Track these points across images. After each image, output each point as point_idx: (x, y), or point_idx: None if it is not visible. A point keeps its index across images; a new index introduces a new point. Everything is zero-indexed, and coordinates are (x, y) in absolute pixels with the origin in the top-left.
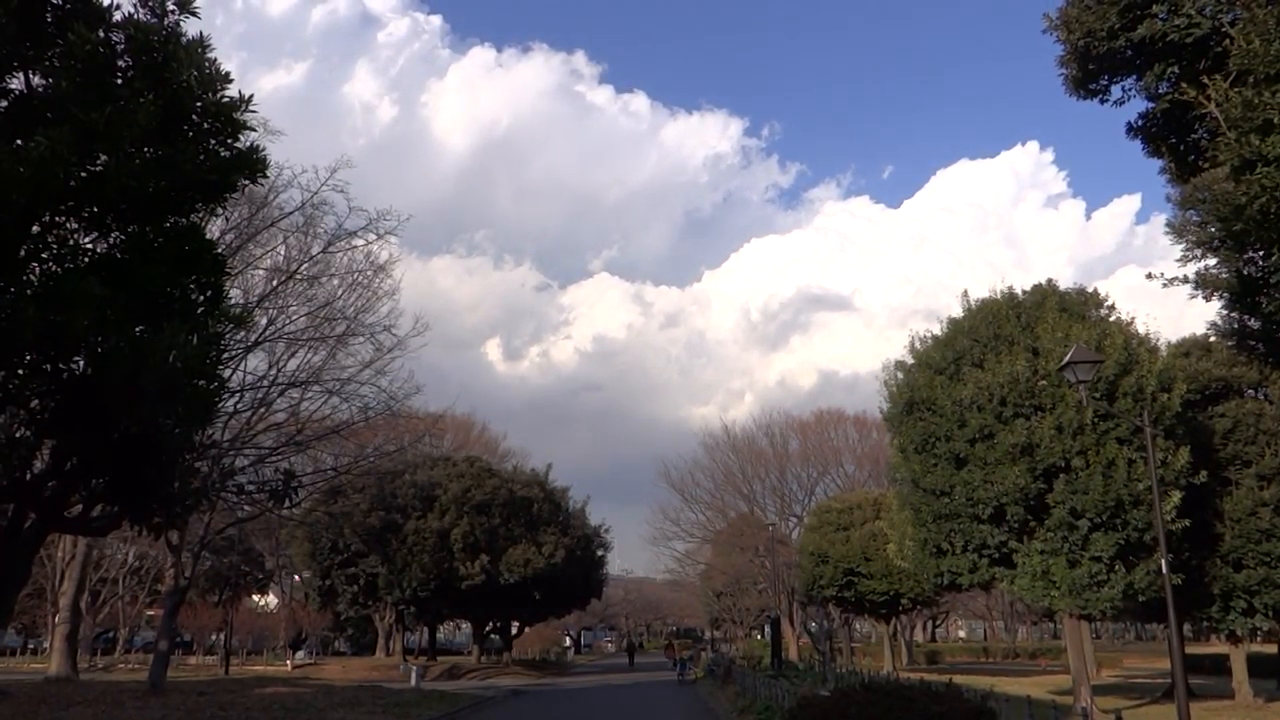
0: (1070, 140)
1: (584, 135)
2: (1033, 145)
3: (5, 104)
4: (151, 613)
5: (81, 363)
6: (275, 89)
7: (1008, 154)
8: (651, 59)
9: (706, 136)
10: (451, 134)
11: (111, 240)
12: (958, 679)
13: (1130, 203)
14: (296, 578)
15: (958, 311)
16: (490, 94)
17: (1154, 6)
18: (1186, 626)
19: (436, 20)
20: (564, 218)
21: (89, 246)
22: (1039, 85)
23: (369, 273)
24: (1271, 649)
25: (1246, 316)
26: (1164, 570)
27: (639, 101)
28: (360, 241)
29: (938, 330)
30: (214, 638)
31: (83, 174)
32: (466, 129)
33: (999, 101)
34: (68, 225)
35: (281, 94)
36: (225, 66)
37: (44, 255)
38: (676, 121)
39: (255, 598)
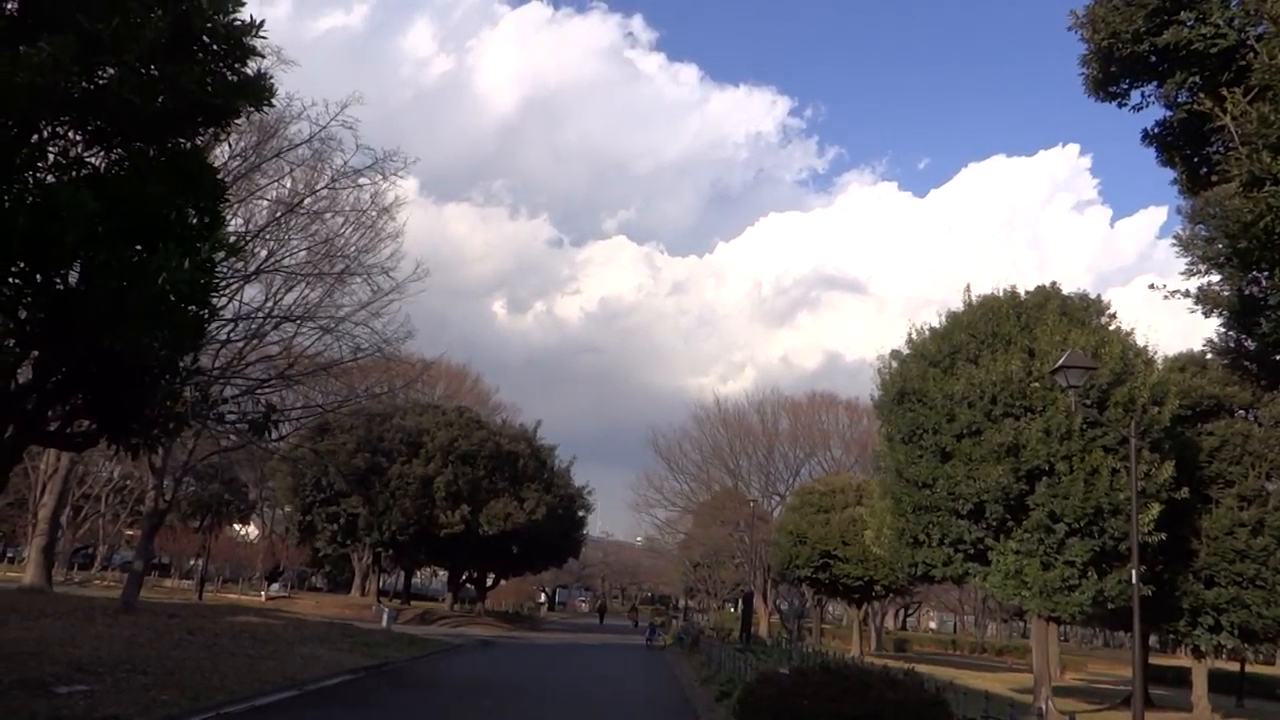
0: (1106, 146)
1: (629, 99)
2: (1072, 148)
3: (11, 7)
4: (131, 533)
5: (74, 277)
6: (331, 29)
7: (1046, 154)
8: (708, 29)
9: (753, 112)
10: (496, 86)
11: (111, 156)
12: (922, 669)
13: (1157, 214)
14: (278, 511)
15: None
16: (540, 49)
17: (1182, 13)
18: (1153, 638)
19: None
20: (591, 177)
21: (88, 160)
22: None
23: (373, 213)
24: (1234, 667)
25: (1244, 336)
26: (1134, 581)
27: (688, 72)
28: (366, 180)
29: (938, 323)
30: (191, 563)
31: (86, 85)
32: (512, 81)
33: (1043, 100)
34: (68, 137)
35: (338, 34)
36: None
37: (40, 165)
38: (724, 94)
39: (236, 527)
